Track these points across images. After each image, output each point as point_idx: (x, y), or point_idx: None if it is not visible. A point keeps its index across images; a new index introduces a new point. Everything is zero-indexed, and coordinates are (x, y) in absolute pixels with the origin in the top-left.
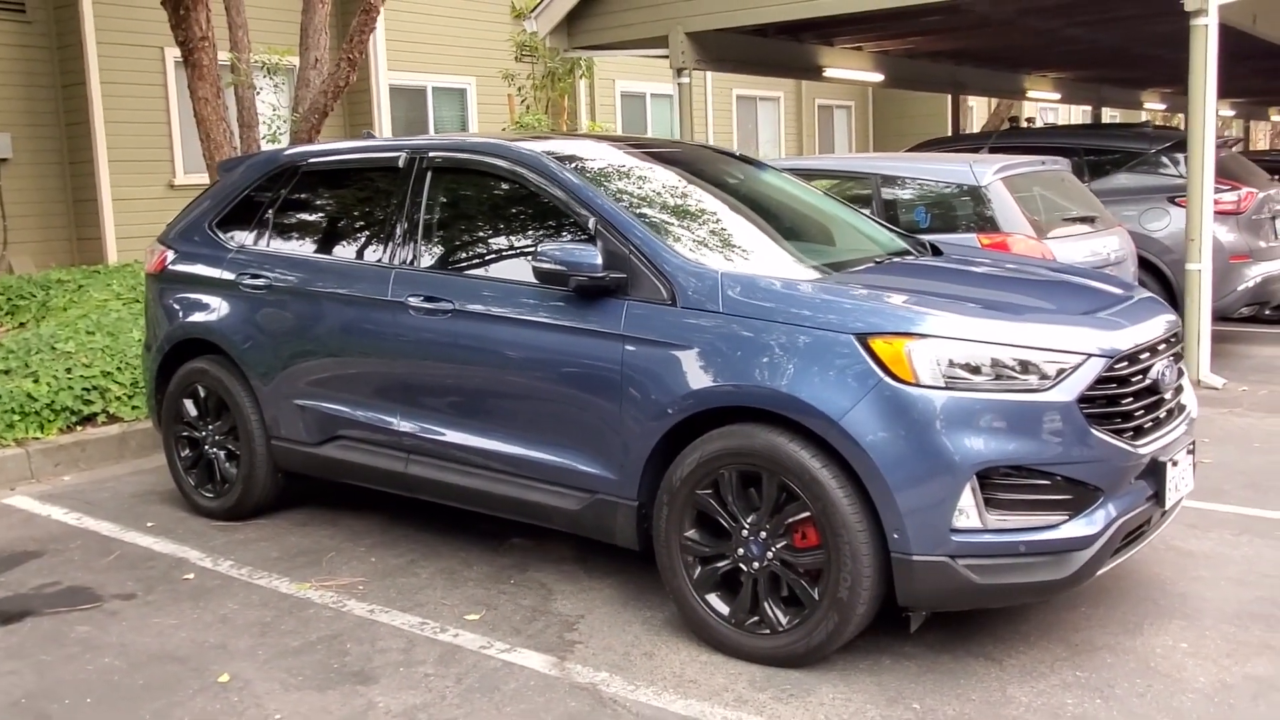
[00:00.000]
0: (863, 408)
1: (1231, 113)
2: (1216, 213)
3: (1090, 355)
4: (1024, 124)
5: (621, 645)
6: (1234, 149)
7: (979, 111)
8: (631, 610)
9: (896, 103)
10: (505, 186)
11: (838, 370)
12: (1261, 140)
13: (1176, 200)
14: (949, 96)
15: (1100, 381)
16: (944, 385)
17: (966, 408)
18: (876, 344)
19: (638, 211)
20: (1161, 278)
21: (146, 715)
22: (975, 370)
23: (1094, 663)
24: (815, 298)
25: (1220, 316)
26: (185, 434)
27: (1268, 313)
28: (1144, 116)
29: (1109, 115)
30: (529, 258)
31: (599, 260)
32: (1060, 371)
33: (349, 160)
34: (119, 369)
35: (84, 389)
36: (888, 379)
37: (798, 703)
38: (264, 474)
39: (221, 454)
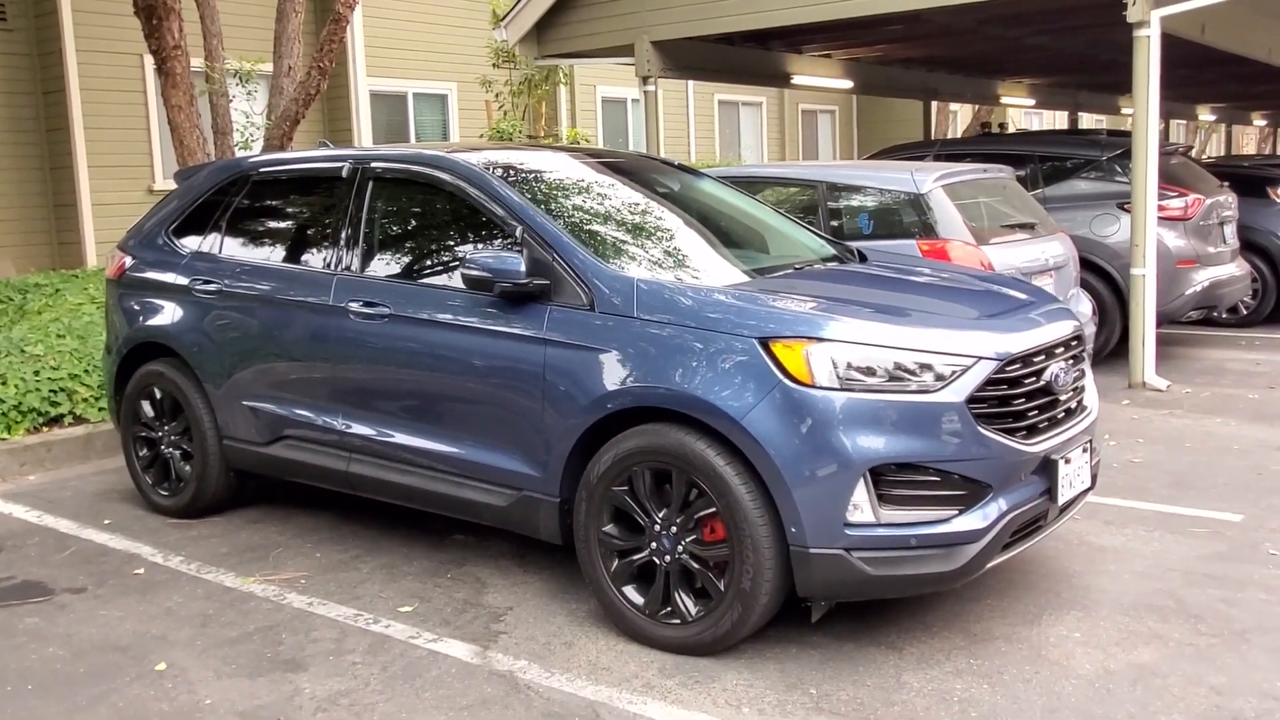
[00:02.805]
0: (763, 408)
1: (1213, 118)
2: (1164, 219)
3: (980, 358)
4: (996, 129)
5: (544, 635)
6: (1184, 155)
7: (964, 116)
8: (559, 602)
9: (881, 108)
10: (441, 196)
11: (741, 372)
12: (1248, 145)
13: (1125, 206)
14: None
15: (990, 383)
16: (839, 387)
17: (860, 408)
18: (777, 348)
19: (568, 221)
20: (1112, 283)
21: (83, 700)
22: (869, 372)
23: (988, 651)
24: (722, 303)
25: (1169, 320)
26: (142, 434)
27: (1224, 316)
28: (1128, 123)
29: (1094, 120)
30: (460, 264)
31: (523, 267)
32: (950, 373)
33: (297, 170)
34: (86, 371)
35: (51, 391)
36: (787, 381)
37: (701, 689)
38: (216, 473)
39: (176, 453)
